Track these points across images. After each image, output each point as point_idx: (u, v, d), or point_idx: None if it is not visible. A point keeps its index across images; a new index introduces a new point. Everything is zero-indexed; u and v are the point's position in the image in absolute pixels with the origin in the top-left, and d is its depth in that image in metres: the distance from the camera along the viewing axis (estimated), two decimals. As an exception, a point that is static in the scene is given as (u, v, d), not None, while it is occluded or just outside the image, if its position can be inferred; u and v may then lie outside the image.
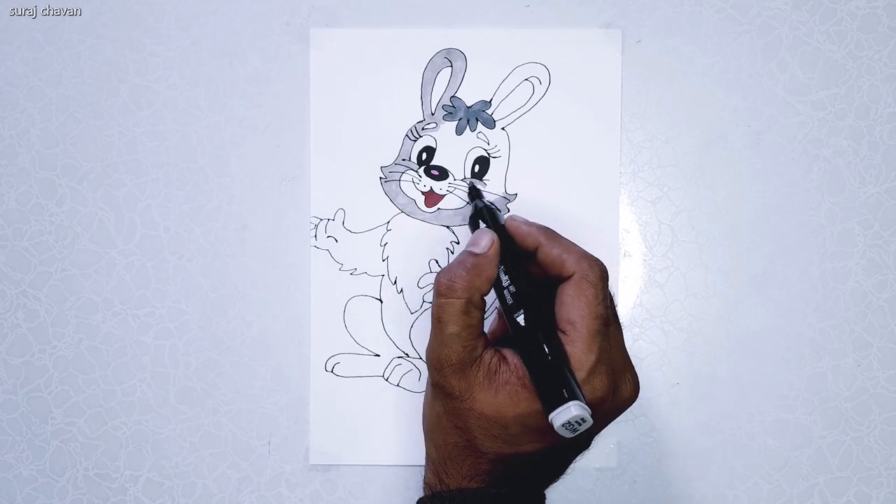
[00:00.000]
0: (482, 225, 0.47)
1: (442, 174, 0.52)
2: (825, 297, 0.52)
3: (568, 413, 0.39)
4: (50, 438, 0.53)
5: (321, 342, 0.52)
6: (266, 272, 0.53)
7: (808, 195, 0.52)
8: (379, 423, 0.52)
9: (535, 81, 0.52)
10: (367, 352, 0.52)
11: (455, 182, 0.52)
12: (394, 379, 0.52)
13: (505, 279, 0.43)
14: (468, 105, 0.52)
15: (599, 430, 0.45)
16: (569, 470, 0.46)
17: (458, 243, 0.52)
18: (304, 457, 0.53)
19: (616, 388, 0.42)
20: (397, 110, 0.52)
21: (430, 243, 0.52)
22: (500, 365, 0.42)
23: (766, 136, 0.52)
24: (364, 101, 0.52)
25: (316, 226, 0.52)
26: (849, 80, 0.52)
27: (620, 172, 0.52)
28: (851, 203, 0.52)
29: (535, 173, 0.52)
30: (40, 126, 0.53)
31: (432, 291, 0.44)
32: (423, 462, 0.46)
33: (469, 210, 0.51)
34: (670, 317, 0.52)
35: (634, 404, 0.52)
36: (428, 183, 0.52)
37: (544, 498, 0.46)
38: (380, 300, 0.52)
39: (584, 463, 0.52)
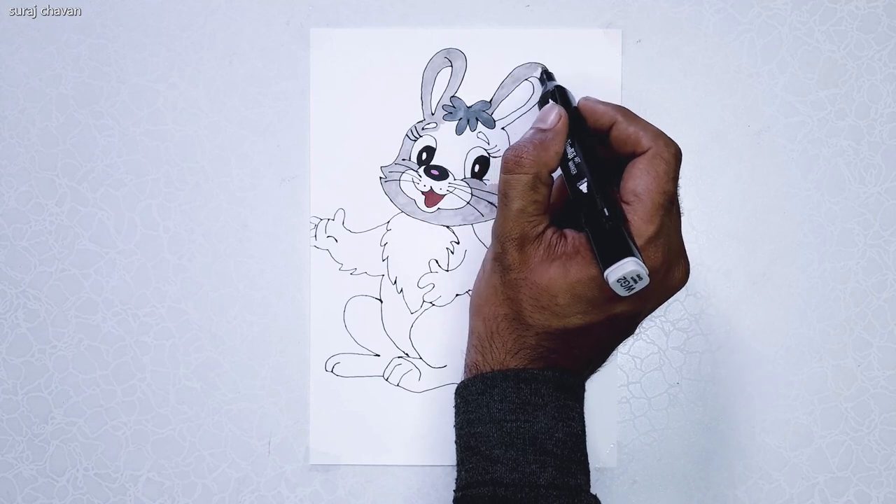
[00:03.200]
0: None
1: (442, 174, 0.52)
2: (825, 296, 0.52)
3: (624, 268, 0.39)
4: (50, 438, 0.53)
5: (321, 342, 0.52)
6: (266, 272, 0.53)
7: (808, 195, 0.52)
8: (379, 423, 0.52)
9: (535, 81, 0.52)
10: (367, 352, 0.52)
11: (455, 182, 0.52)
12: (394, 379, 0.52)
13: (571, 151, 0.44)
14: (468, 105, 0.52)
15: (647, 313, 0.45)
16: (610, 358, 0.47)
17: (458, 243, 0.52)
18: (304, 457, 0.53)
19: (669, 267, 0.43)
20: (397, 110, 0.52)
21: (430, 243, 0.52)
22: (559, 240, 0.43)
23: (767, 136, 0.52)
24: (364, 100, 0.52)
25: (316, 226, 0.52)
26: (849, 80, 0.52)
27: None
28: (851, 203, 0.52)
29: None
30: (40, 126, 0.53)
31: (500, 167, 0.44)
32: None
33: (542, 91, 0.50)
34: (670, 316, 0.52)
35: (634, 405, 0.52)
36: (428, 183, 0.52)
37: (583, 389, 0.46)
38: (380, 300, 0.52)
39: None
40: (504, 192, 0.44)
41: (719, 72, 0.52)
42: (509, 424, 0.43)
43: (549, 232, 0.43)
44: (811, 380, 0.52)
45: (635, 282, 0.39)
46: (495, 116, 0.52)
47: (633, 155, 0.43)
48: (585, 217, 0.42)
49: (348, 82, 0.52)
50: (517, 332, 0.43)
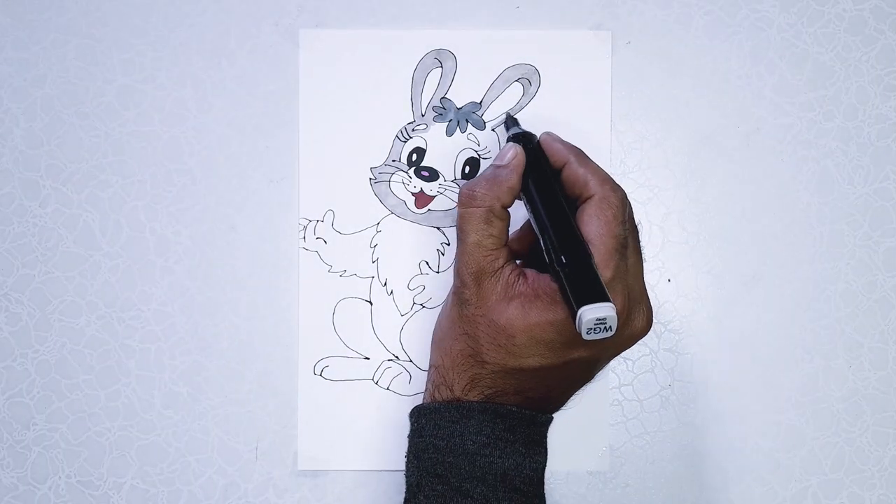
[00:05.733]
0: None
1: (432, 175, 0.52)
2: (815, 297, 0.52)
3: (601, 310, 0.38)
4: (31, 445, 0.52)
5: (310, 345, 0.52)
6: (254, 274, 0.52)
7: (797, 196, 0.52)
8: (369, 427, 0.52)
9: (525, 83, 0.52)
10: (356, 355, 0.52)
11: (445, 183, 0.52)
12: (384, 382, 0.52)
13: (535, 192, 0.44)
14: (458, 106, 0.52)
15: (606, 361, 0.45)
16: (568, 404, 0.46)
17: (448, 244, 0.52)
18: (293, 462, 0.52)
19: (630, 314, 0.43)
20: (387, 111, 0.52)
21: (421, 244, 0.52)
22: (518, 278, 0.43)
23: (756, 138, 0.52)
24: (353, 101, 0.52)
25: (305, 227, 0.52)
26: (836, 82, 0.52)
27: (611, 173, 0.52)
28: (840, 204, 0.52)
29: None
30: (24, 126, 0.52)
31: (456, 204, 0.44)
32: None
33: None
34: (661, 318, 0.52)
35: (626, 407, 0.52)
36: (418, 184, 0.52)
37: (550, 422, 0.46)
38: (370, 302, 0.52)
39: (576, 466, 0.52)
40: (460, 225, 0.44)
41: (708, 73, 0.52)
42: (482, 459, 0.43)
43: (508, 269, 0.43)
44: (803, 381, 0.52)
45: (603, 328, 0.39)
46: (485, 118, 0.52)
47: (581, 198, 0.44)
48: (552, 258, 0.41)
49: (338, 83, 0.52)
50: (474, 368, 0.43)
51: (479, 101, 0.52)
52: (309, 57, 0.52)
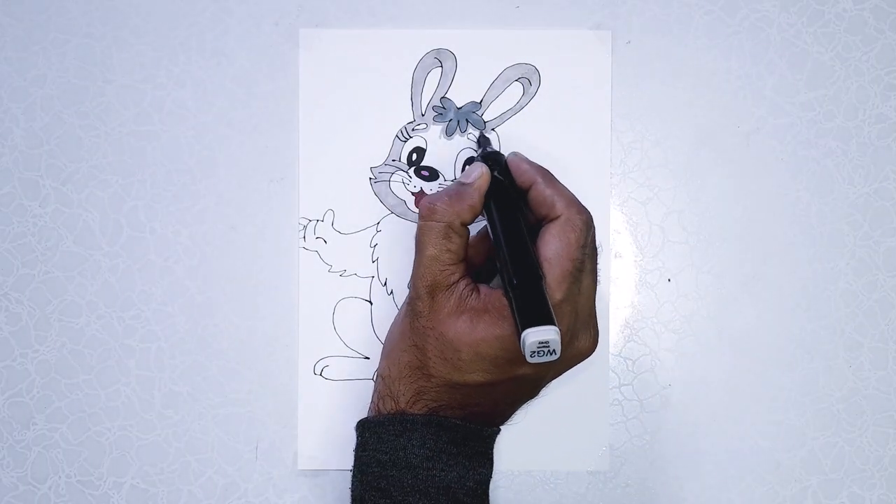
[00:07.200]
0: None
1: (432, 175, 0.52)
2: (816, 297, 0.52)
3: (544, 333, 0.39)
4: (31, 445, 0.52)
5: (310, 345, 0.52)
6: (254, 274, 0.52)
7: (797, 196, 0.52)
8: (368, 427, 0.52)
9: (525, 83, 0.52)
10: (356, 354, 0.52)
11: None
12: (383, 382, 0.52)
13: (497, 212, 0.44)
14: (458, 106, 0.52)
15: (551, 378, 0.46)
16: (514, 419, 0.47)
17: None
18: (292, 462, 0.52)
19: (575, 335, 0.43)
20: (387, 111, 0.52)
21: (421, 244, 0.52)
22: (471, 293, 0.43)
23: (756, 138, 0.52)
24: (353, 101, 0.52)
25: (305, 227, 0.52)
26: (837, 82, 0.52)
27: (611, 173, 0.52)
28: (840, 204, 0.52)
29: (526, 174, 0.52)
30: (24, 126, 0.52)
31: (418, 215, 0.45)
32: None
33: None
34: (661, 318, 0.52)
35: (626, 407, 0.52)
36: (418, 184, 0.52)
37: (497, 433, 0.46)
38: (370, 302, 0.52)
39: (576, 466, 0.52)
40: (419, 238, 0.44)
41: (708, 73, 0.52)
42: (424, 472, 0.43)
43: (463, 283, 0.43)
44: (803, 381, 0.52)
45: (546, 352, 0.39)
46: (485, 117, 0.52)
47: (547, 219, 0.44)
48: (505, 279, 0.42)
49: (338, 83, 0.52)
50: (420, 381, 0.44)
51: (479, 101, 0.52)
52: (309, 57, 0.52)
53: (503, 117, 0.52)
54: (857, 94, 0.52)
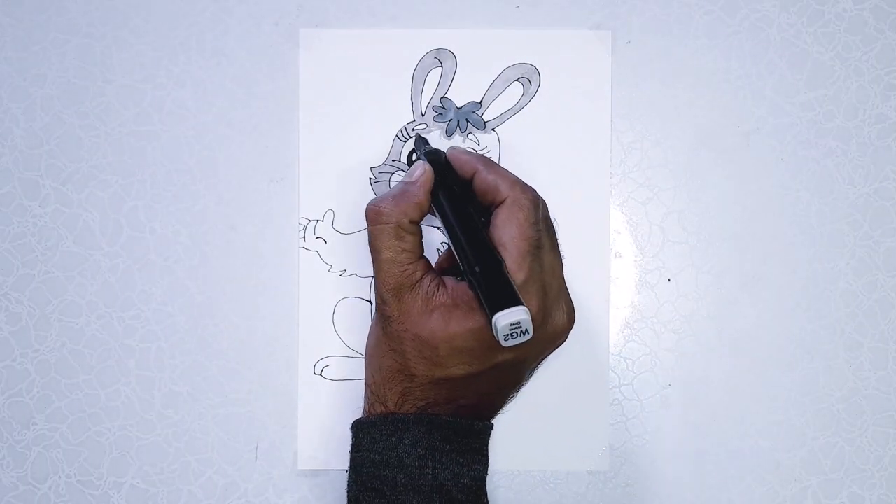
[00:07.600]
0: None
1: (432, 175, 0.52)
2: (816, 297, 0.52)
3: (513, 315, 0.39)
4: (31, 445, 0.52)
5: (310, 345, 0.52)
6: (254, 274, 0.52)
7: (797, 196, 0.52)
8: (368, 427, 0.52)
9: (525, 83, 0.52)
10: (356, 354, 0.52)
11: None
12: (383, 382, 0.52)
13: (446, 206, 0.44)
14: (458, 106, 0.52)
15: (532, 361, 0.45)
16: (504, 409, 0.47)
17: (448, 245, 0.52)
18: (293, 462, 0.52)
19: (548, 314, 0.43)
20: (387, 111, 0.52)
21: (421, 244, 0.52)
22: (437, 289, 0.43)
23: (756, 138, 0.52)
24: (353, 101, 0.52)
25: (305, 227, 0.52)
26: (837, 82, 0.52)
27: (611, 173, 0.52)
28: (840, 204, 0.52)
29: (526, 175, 0.51)
30: (24, 126, 0.52)
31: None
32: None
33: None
34: (661, 318, 0.52)
35: (626, 407, 0.52)
36: (418, 184, 0.52)
37: (491, 428, 0.46)
38: (369, 302, 0.52)
39: (576, 466, 0.52)
40: (371, 243, 0.44)
41: (708, 73, 0.52)
42: (417, 471, 0.43)
43: (427, 280, 0.43)
44: (803, 381, 0.52)
45: (519, 333, 0.39)
46: (486, 117, 0.52)
47: (494, 204, 0.44)
48: (465, 268, 0.42)
49: (338, 83, 0.52)
50: (404, 382, 0.44)
51: (479, 101, 0.52)
52: (309, 57, 0.52)
53: (503, 117, 0.52)
54: (857, 94, 0.52)
